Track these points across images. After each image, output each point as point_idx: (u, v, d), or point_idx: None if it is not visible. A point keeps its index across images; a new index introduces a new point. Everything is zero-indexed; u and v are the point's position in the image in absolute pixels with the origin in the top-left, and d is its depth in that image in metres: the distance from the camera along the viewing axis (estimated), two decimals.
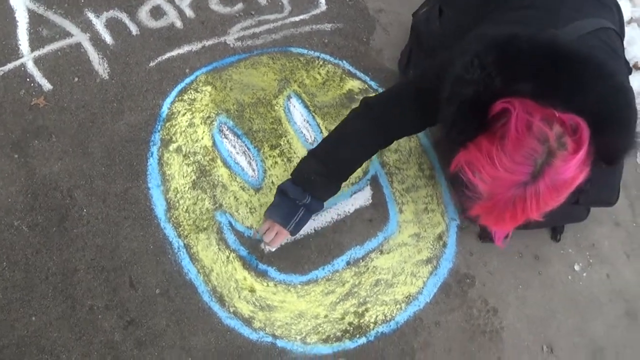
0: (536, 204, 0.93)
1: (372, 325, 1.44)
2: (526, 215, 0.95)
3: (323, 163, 1.32)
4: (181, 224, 1.47)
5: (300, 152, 1.64)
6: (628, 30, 1.96)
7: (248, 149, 1.62)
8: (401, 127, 1.34)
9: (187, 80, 1.69)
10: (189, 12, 1.82)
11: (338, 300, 1.45)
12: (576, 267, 1.65)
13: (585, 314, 1.58)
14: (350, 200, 1.59)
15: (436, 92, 1.09)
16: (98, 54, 1.68)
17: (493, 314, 1.52)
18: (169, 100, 1.64)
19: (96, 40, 1.70)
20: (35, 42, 1.66)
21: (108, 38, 1.72)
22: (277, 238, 1.38)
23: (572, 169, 0.91)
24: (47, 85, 1.60)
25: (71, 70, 1.64)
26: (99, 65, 1.66)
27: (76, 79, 1.63)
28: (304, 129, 1.68)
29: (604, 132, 0.95)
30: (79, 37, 1.70)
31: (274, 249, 1.47)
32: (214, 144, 1.60)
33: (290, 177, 1.36)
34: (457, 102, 1.02)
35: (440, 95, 1.07)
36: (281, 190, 1.36)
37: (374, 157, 1.64)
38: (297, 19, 1.90)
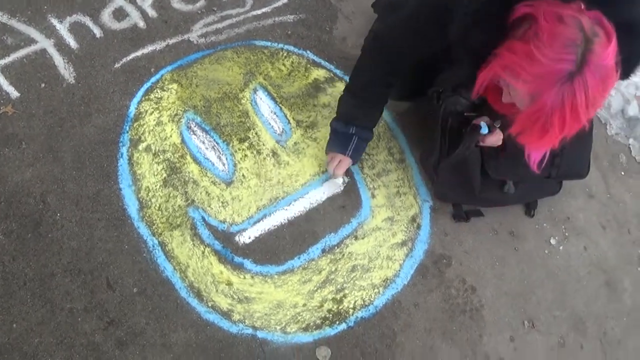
0: (585, 98, 0.89)
1: (351, 311, 1.44)
2: (575, 115, 0.91)
3: (353, 94, 1.47)
4: (154, 222, 1.47)
5: (269, 143, 1.64)
6: None
7: (217, 143, 1.62)
8: (408, 52, 1.37)
9: (153, 79, 1.69)
10: (151, 12, 1.83)
11: (315, 288, 1.45)
12: (552, 241, 1.65)
13: (564, 287, 1.58)
14: (322, 188, 1.59)
15: (440, 15, 1.09)
16: (63, 59, 1.68)
17: (472, 292, 1.53)
18: (135, 100, 1.64)
19: (61, 45, 1.70)
20: (0, 51, 1.66)
21: (72, 42, 1.72)
22: (340, 166, 1.54)
23: (611, 55, 0.89)
24: (14, 93, 1.60)
25: (37, 76, 1.64)
26: (65, 69, 1.67)
27: (43, 85, 1.63)
28: (271, 121, 1.69)
29: (627, 36, 0.93)
30: (44, 43, 1.70)
31: (340, 181, 1.61)
32: (183, 140, 1.60)
33: (336, 114, 1.53)
34: (479, 3, 1.00)
35: (450, 13, 1.06)
36: (332, 129, 1.53)
37: None
38: (259, 12, 1.90)
